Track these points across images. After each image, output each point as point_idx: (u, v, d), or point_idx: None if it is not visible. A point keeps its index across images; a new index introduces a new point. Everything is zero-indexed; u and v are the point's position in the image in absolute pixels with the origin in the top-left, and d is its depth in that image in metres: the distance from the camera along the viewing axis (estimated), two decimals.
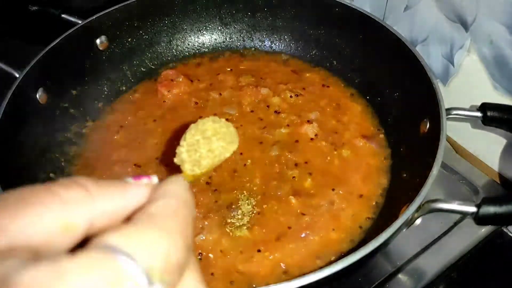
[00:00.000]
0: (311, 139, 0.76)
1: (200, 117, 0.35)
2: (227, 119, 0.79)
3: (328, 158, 0.73)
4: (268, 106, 0.82)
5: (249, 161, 0.74)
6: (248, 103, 0.83)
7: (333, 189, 0.69)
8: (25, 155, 0.69)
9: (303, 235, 0.64)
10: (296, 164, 0.73)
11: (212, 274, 0.61)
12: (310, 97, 0.83)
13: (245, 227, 0.65)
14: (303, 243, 0.64)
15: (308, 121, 0.78)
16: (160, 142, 0.78)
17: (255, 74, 0.89)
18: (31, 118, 0.72)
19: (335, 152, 0.74)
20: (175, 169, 0.77)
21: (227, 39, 0.96)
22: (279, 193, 0.69)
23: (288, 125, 0.79)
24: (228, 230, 0.65)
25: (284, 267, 0.62)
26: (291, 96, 0.83)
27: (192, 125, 0.35)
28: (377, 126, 0.78)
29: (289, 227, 0.65)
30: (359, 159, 0.73)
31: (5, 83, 0.70)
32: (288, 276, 0.61)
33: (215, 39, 0.96)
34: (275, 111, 0.81)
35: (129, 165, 0.75)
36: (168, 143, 0.78)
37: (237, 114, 0.81)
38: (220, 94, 0.85)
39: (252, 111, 0.82)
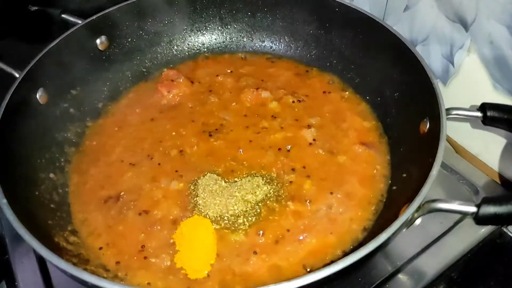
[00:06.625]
0: (310, 143, 0.76)
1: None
2: (221, 124, 0.79)
3: (326, 163, 0.73)
4: (267, 110, 0.82)
5: (245, 163, 0.74)
6: (247, 106, 0.83)
7: (331, 193, 0.69)
8: (25, 155, 0.69)
9: (301, 237, 0.64)
10: (293, 169, 0.72)
11: (208, 275, 0.61)
12: (311, 103, 0.83)
13: (242, 232, 0.65)
14: (301, 245, 0.64)
15: (308, 125, 0.78)
16: (155, 141, 0.78)
17: (255, 76, 0.89)
18: (31, 118, 0.72)
19: (333, 157, 0.74)
20: (167, 168, 0.78)
21: (227, 39, 0.96)
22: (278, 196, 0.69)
23: (283, 128, 0.78)
24: (226, 233, 0.65)
25: (281, 269, 0.62)
26: (293, 102, 0.83)
27: None
28: (377, 129, 0.78)
29: (288, 230, 0.65)
30: (357, 164, 0.73)
31: (5, 83, 0.70)
32: (286, 277, 0.61)
33: (215, 39, 0.96)
34: (274, 116, 0.81)
35: (125, 164, 0.75)
36: (162, 143, 0.78)
37: (232, 120, 0.81)
38: (219, 97, 0.85)
39: (246, 115, 0.82)
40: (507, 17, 0.66)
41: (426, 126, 0.66)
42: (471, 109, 0.65)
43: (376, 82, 0.82)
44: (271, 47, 0.95)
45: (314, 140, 0.77)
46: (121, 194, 0.71)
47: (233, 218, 0.67)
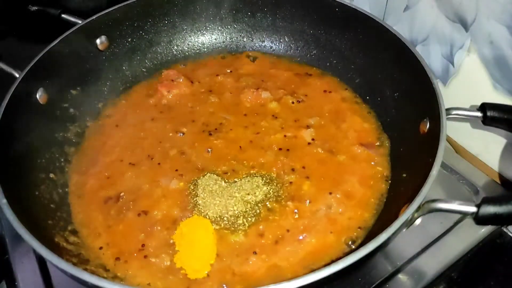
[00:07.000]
0: (309, 143, 0.76)
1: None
2: (221, 123, 0.79)
3: (326, 163, 0.73)
4: (267, 110, 0.82)
5: (245, 163, 0.74)
6: (246, 106, 0.83)
7: (330, 193, 0.69)
8: (25, 155, 0.69)
9: (300, 237, 0.64)
10: (293, 169, 0.72)
11: (208, 275, 0.61)
12: (311, 103, 0.83)
13: (241, 232, 0.65)
14: (300, 245, 0.64)
15: (307, 125, 0.78)
16: (155, 141, 0.78)
17: (255, 76, 0.89)
18: (31, 118, 0.72)
19: (333, 157, 0.74)
20: (167, 167, 0.78)
21: (227, 39, 0.96)
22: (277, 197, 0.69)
23: (283, 128, 0.78)
24: (226, 233, 0.65)
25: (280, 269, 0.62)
26: (292, 102, 0.82)
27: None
28: (377, 129, 0.78)
29: (288, 230, 0.65)
30: (357, 164, 0.73)
31: (5, 83, 0.70)
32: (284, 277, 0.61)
33: (215, 39, 0.96)
34: (273, 116, 0.81)
35: (125, 164, 0.75)
36: (162, 143, 0.78)
37: (232, 120, 0.81)
38: (219, 97, 0.85)
39: (245, 115, 0.81)
40: (507, 17, 0.66)
41: (426, 126, 0.66)
42: (471, 109, 0.65)
43: (376, 82, 0.82)
44: (271, 47, 0.95)
45: (313, 140, 0.77)
46: (121, 194, 0.71)
47: (233, 218, 0.67)
